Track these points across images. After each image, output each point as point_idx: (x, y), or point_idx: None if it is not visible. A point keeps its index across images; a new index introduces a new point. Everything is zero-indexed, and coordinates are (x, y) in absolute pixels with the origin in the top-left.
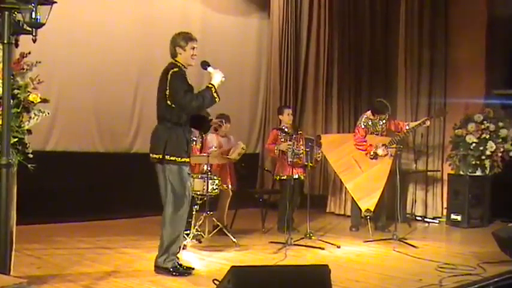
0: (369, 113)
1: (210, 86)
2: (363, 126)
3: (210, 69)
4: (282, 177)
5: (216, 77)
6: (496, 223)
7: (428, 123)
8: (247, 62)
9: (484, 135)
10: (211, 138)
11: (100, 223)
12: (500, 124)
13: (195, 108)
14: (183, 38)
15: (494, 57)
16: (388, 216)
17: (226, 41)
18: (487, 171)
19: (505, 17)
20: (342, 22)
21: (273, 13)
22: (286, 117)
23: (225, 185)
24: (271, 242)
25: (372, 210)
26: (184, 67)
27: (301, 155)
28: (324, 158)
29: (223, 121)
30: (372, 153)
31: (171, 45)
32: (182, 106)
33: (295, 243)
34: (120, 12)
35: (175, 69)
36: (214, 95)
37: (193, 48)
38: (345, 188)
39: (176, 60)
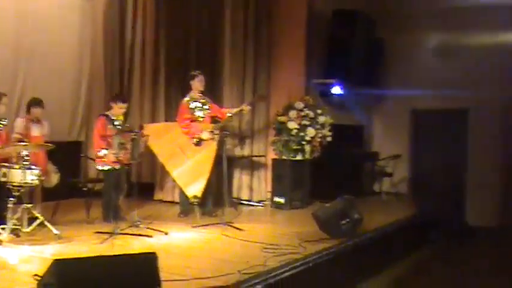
0: (192, 93)
1: None
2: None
3: None
4: (104, 168)
5: None
6: (316, 204)
7: (248, 108)
8: (68, 45)
9: (304, 122)
10: (18, 123)
11: None
12: (319, 111)
13: None
14: None
15: (313, 49)
16: (215, 201)
17: (44, 22)
18: (307, 156)
19: (323, 13)
20: (170, 9)
21: None
22: (118, 110)
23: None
24: (97, 232)
25: (199, 196)
26: None
27: (128, 149)
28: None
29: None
30: (196, 139)
31: None
32: None
33: (122, 232)
34: None
35: None
36: None
37: None
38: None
39: None
